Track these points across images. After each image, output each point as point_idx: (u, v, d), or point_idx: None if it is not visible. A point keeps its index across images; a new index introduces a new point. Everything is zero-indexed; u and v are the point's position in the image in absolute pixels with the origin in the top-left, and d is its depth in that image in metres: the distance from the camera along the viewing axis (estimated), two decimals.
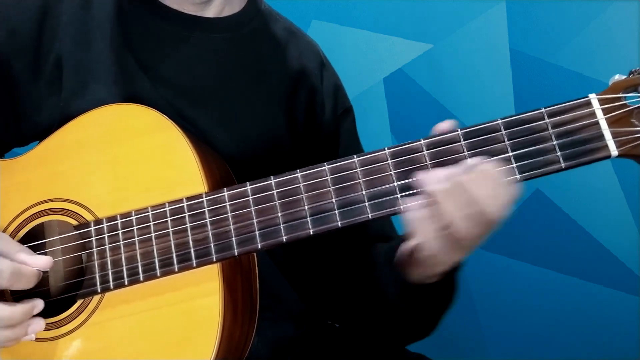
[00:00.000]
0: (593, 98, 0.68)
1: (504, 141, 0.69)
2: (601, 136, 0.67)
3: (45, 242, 0.82)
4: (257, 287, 0.84)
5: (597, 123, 0.67)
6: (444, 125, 0.72)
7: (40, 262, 0.74)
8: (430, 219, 0.69)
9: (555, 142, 0.68)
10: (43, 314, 0.76)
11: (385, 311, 0.89)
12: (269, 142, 0.96)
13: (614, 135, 0.67)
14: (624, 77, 0.68)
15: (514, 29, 1.71)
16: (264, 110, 0.96)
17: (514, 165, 0.68)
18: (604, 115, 0.67)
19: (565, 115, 0.68)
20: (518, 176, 0.68)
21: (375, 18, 1.83)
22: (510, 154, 0.69)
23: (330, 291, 0.99)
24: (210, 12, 0.95)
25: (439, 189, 0.67)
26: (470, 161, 0.68)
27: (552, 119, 0.68)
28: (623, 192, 1.63)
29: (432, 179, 0.68)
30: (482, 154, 0.69)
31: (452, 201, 0.67)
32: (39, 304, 0.74)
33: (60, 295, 0.82)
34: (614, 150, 0.67)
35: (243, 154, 0.93)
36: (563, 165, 0.67)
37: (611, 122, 0.67)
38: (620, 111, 0.67)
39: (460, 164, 0.68)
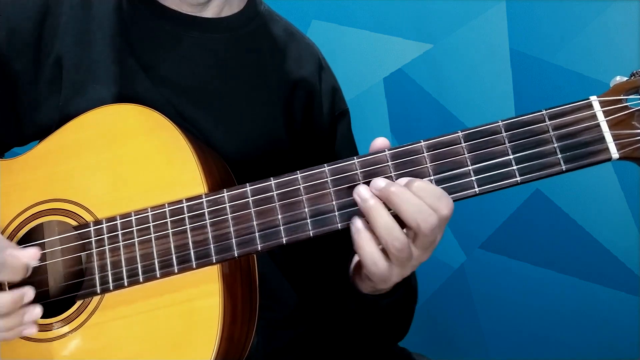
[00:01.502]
0: (594, 100, 0.68)
1: (504, 143, 0.69)
2: (602, 139, 0.67)
3: (44, 242, 0.81)
4: (257, 287, 0.84)
5: (598, 125, 0.67)
6: (379, 141, 0.72)
7: (28, 253, 0.72)
8: (363, 234, 0.70)
9: (556, 145, 0.68)
10: (43, 315, 0.76)
11: (350, 318, 0.90)
12: (268, 142, 0.96)
13: (615, 137, 0.66)
14: (625, 78, 0.68)
15: (514, 29, 1.71)
16: (263, 110, 0.96)
17: (515, 167, 0.68)
18: (605, 117, 0.67)
19: (566, 118, 0.68)
20: (519, 179, 0.68)
21: (375, 18, 1.83)
22: (511, 156, 0.68)
23: (328, 292, 0.99)
24: (209, 13, 0.95)
25: (364, 206, 0.69)
26: (400, 180, 0.69)
27: (553, 121, 0.68)
28: (623, 192, 1.63)
29: (362, 193, 0.69)
30: (483, 156, 0.69)
31: (378, 218, 0.68)
32: (28, 292, 0.72)
33: (60, 296, 0.82)
34: (614, 153, 0.66)
35: (242, 153, 0.93)
36: (564, 167, 0.67)
37: (612, 125, 0.67)
38: (622, 113, 0.66)
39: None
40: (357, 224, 0.69)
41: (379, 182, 0.69)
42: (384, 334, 0.92)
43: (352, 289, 0.80)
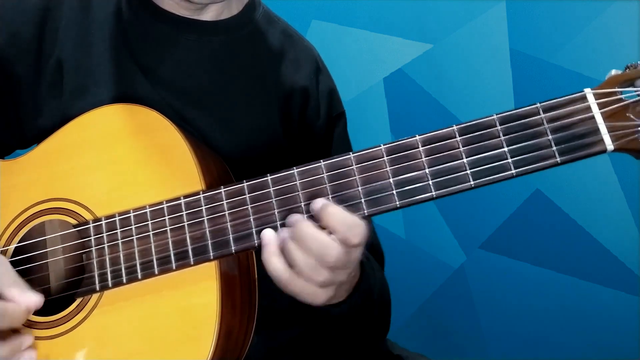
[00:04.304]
0: (588, 92, 0.68)
1: (499, 136, 0.68)
2: (597, 130, 0.67)
3: (46, 240, 0.82)
4: (256, 286, 0.84)
5: (592, 117, 0.67)
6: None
7: (30, 300, 0.72)
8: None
9: (550, 137, 0.67)
10: (43, 313, 0.77)
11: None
12: (265, 142, 0.97)
13: (610, 129, 0.66)
14: (620, 72, 0.68)
15: (514, 29, 1.71)
16: (260, 111, 0.97)
17: (509, 160, 0.68)
18: (600, 109, 0.67)
19: (561, 110, 0.68)
20: (514, 171, 0.68)
21: (375, 18, 1.83)
22: (506, 149, 0.68)
23: None
24: (208, 16, 0.95)
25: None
26: (315, 204, 0.70)
27: (547, 114, 0.68)
28: (623, 192, 1.62)
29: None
30: (478, 150, 0.69)
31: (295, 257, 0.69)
32: (27, 339, 0.74)
33: (61, 294, 0.82)
34: (609, 145, 0.66)
35: (241, 153, 0.93)
36: (559, 160, 0.67)
37: (607, 117, 0.67)
38: (616, 105, 0.66)
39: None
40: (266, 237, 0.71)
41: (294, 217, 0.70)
42: (353, 337, 0.93)
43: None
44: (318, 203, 0.69)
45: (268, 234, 0.71)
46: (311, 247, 0.68)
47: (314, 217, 0.70)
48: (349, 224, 0.68)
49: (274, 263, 0.70)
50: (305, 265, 0.68)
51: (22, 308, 0.72)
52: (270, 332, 0.95)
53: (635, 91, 0.66)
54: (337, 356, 1.01)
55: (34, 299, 0.72)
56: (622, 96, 0.66)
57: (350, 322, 0.85)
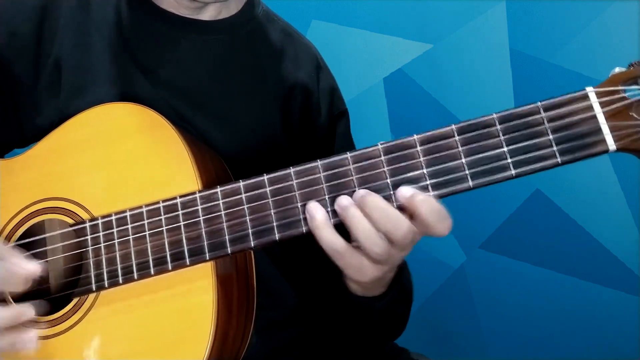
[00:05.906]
0: (590, 91, 0.66)
1: (498, 136, 0.67)
2: (599, 130, 0.65)
3: (46, 239, 0.82)
4: (255, 286, 0.83)
5: (594, 117, 0.66)
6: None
7: (30, 266, 0.72)
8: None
9: (551, 137, 0.66)
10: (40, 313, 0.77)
11: (346, 320, 0.90)
12: (266, 143, 0.96)
13: (612, 129, 0.65)
14: (624, 69, 0.67)
15: (514, 29, 1.71)
16: (260, 111, 0.97)
17: (509, 160, 0.67)
18: (602, 108, 0.65)
19: (562, 109, 0.67)
20: (513, 172, 0.67)
21: (375, 18, 1.83)
22: (505, 149, 0.67)
23: (327, 292, 0.99)
24: (207, 15, 0.95)
25: (344, 214, 0.68)
26: (404, 192, 0.68)
27: (548, 113, 0.67)
28: (623, 192, 1.62)
29: (341, 202, 0.69)
30: (477, 149, 0.68)
31: (358, 225, 0.68)
32: (28, 311, 0.73)
33: (60, 293, 0.82)
34: (611, 145, 0.65)
35: (241, 153, 0.93)
36: (559, 160, 0.66)
37: (609, 116, 0.65)
38: (619, 104, 0.65)
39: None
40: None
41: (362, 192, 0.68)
42: (379, 334, 0.93)
43: (345, 291, 0.80)
44: (407, 191, 0.68)
45: (313, 204, 0.69)
46: (380, 218, 0.67)
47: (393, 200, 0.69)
48: (442, 216, 0.67)
49: (328, 234, 0.69)
50: (366, 231, 0.67)
51: (24, 272, 0.72)
52: (271, 332, 0.95)
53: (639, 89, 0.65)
54: (338, 356, 1.01)
55: (34, 266, 0.72)
56: (625, 95, 0.65)
57: (388, 315, 0.85)
